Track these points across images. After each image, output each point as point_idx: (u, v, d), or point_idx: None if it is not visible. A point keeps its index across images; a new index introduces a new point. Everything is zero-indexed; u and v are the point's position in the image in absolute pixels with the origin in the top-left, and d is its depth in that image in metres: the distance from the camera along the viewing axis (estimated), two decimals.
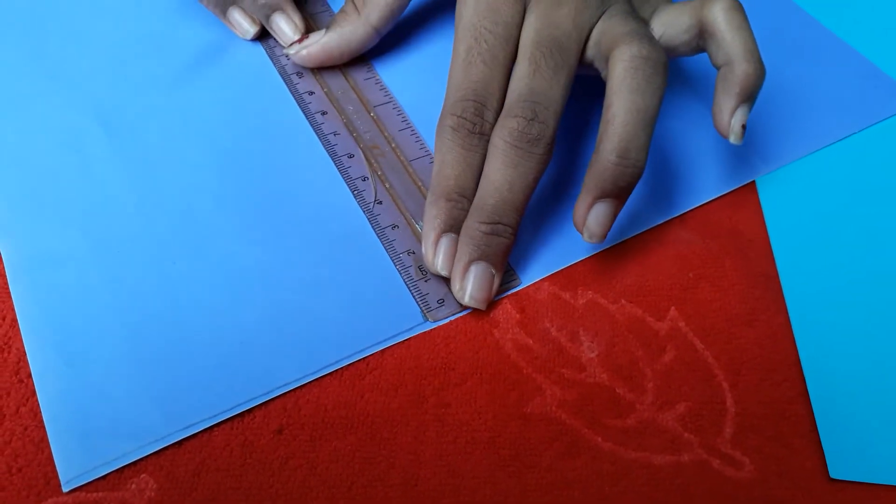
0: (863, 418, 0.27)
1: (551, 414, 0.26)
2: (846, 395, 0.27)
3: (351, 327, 0.28)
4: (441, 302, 0.28)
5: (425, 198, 0.30)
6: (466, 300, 0.28)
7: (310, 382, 0.26)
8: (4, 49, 0.35)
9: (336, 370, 0.27)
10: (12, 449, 0.24)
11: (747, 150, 0.35)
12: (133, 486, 0.24)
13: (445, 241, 0.28)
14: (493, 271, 0.28)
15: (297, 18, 0.35)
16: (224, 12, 0.36)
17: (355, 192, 0.31)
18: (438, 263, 0.28)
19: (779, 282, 0.30)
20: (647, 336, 0.28)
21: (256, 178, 0.31)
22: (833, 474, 0.25)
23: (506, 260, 0.29)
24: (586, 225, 0.28)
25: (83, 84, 0.34)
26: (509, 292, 0.29)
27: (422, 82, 0.35)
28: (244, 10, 0.36)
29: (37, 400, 0.25)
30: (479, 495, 0.24)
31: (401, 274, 0.29)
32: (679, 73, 0.37)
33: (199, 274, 0.28)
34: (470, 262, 0.27)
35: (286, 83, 0.35)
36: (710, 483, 0.25)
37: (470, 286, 0.28)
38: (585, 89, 0.34)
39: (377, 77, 0.35)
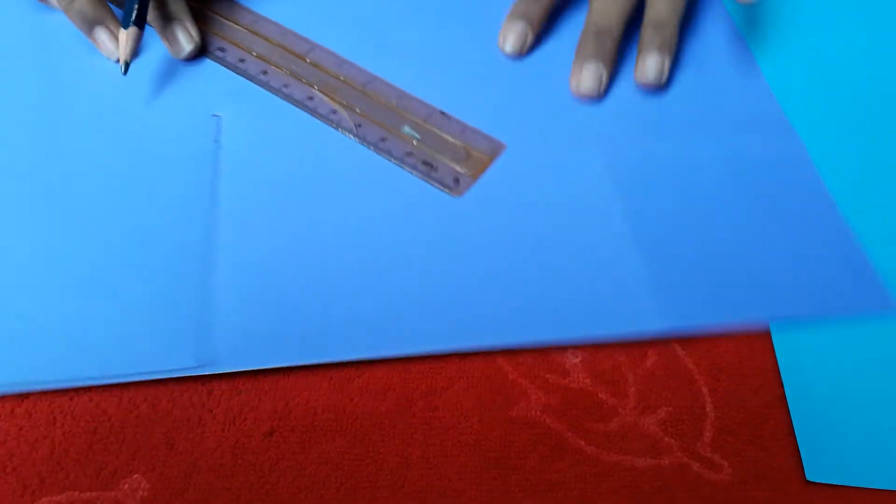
0: (838, 423, 0.27)
1: (535, 418, 0.27)
2: (822, 400, 0.28)
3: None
4: (456, 181, 0.32)
5: (396, 113, 0.33)
6: (582, 90, 0.35)
7: (300, 386, 0.27)
8: None
9: (325, 374, 0.27)
10: (7, 449, 0.25)
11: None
12: (126, 485, 0.24)
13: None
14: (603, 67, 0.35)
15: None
16: (90, 32, 0.35)
17: (333, 125, 0.33)
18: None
19: None
20: (630, 342, 0.29)
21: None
22: (809, 477, 0.26)
23: (614, 62, 0.36)
24: (646, 74, 0.35)
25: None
26: None
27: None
28: (111, 31, 0.35)
29: (31, 401, 0.25)
30: (465, 497, 0.25)
31: (411, 172, 0.32)
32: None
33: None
34: (585, 60, 0.35)
35: (217, 61, 0.35)
36: (690, 485, 0.26)
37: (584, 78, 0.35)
38: None
39: (294, 32, 0.37)
